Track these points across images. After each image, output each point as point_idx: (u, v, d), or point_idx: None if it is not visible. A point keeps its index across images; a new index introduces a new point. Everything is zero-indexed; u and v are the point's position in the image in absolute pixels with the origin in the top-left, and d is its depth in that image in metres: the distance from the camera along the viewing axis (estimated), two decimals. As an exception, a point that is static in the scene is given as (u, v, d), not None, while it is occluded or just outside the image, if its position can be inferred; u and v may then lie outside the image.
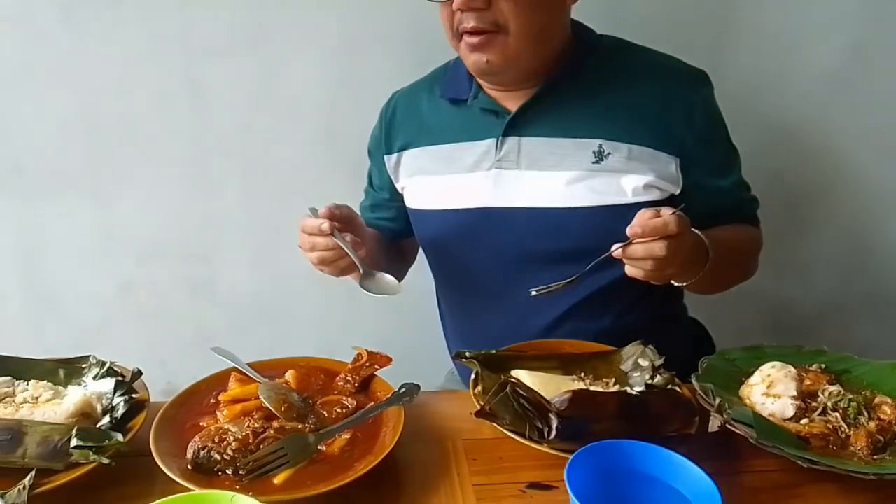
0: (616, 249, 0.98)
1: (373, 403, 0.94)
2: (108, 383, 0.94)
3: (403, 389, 0.94)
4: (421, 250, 1.42)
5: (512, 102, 1.20)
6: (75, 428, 0.82)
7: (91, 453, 0.81)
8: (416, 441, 0.92)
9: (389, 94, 1.39)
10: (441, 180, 1.26)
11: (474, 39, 1.09)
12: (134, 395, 0.92)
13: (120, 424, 0.88)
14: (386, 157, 1.33)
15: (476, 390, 0.96)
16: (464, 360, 1.01)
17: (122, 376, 0.96)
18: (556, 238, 1.18)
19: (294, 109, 1.65)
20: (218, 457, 0.81)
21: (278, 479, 0.80)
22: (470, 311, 1.35)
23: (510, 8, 1.07)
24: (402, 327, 1.90)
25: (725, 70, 1.60)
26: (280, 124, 1.67)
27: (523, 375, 0.98)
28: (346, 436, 0.88)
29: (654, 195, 1.16)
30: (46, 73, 1.55)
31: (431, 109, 1.29)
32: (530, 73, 1.16)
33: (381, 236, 1.40)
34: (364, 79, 1.63)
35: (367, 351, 1.03)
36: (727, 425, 0.89)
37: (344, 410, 0.92)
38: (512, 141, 1.20)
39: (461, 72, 1.25)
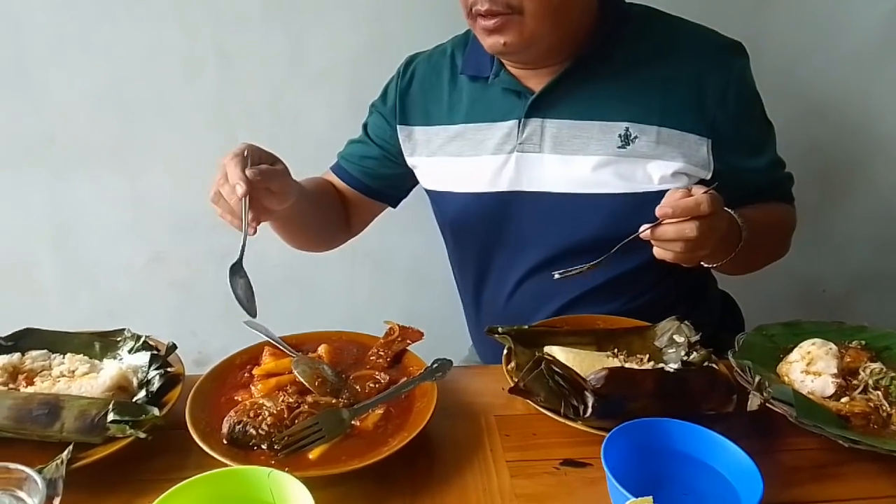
0: (644, 230, 0.94)
1: (405, 379, 0.93)
2: (144, 357, 0.94)
3: (436, 365, 0.93)
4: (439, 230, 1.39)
5: (535, 82, 1.16)
6: (112, 402, 0.83)
7: (128, 427, 0.81)
8: (449, 417, 0.92)
9: None
10: (461, 162, 1.23)
11: (489, 23, 1.05)
12: (169, 369, 0.92)
13: (155, 398, 0.88)
14: (399, 127, 1.28)
15: (509, 366, 0.95)
16: (497, 335, 1.00)
17: (157, 350, 0.96)
18: (578, 225, 1.15)
19: (322, 79, 1.63)
20: (253, 431, 0.81)
21: (313, 455, 0.81)
22: (486, 295, 1.33)
23: None
24: (427, 300, 1.89)
25: (762, 40, 1.55)
26: (308, 94, 1.65)
27: (556, 351, 0.97)
28: (380, 411, 0.88)
29: (682, 182, 1.12)
30: (76, 44, 1.55)
31: (452, 85, 1.24)
32: (553, 52, 1.11)
33: (329, 195, 1.32)
34: (392, 47, 1.60)
35: (398, 325, 1.03)
36: (767, 404, 0.87)
37: (377, 385, 0.92)
38: (535, 123, 1.16)
39: (481, 48, 1.18)
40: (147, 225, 1.76)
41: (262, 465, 0.77)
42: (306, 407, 0.85)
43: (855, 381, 0.95)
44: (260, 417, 0.83)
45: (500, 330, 1.01)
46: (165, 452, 0.86)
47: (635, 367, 0.96)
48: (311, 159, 1.72)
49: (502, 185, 1.20)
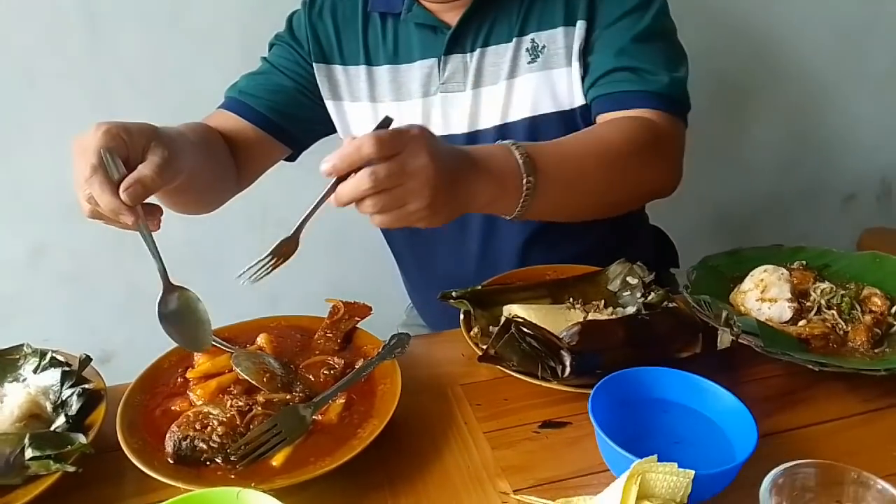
0: (325, 199, 0.75)
1: (362, 360, 0.85)
2: (53, 375, 0.81)
3: (394, 341, 0.86)
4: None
5: (450, 15, 1.08)
6: (27, 435, 0.71)
7: (52, 462, 0.69)
8: (413, 394, 0.85)
9: None
10: (384, 109, 1.14)
11: None
12: (86, 386, 0.80)
13: (77, 422, 0.76)
14: (317, 65, 1.16)
15: (473, 332, 0.89)
16: (451, 301, 0.94)
17: (69, 365, 0.83)
18: None
19: (208, 36, 1.47)
20: (204, 445, 0.71)
21: (277, 461, 0.72)
22: (420, 253, 1.27)
23: None
24: (351, 266, 1.81)
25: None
26: (194, 54, 1.49)
27: (517, 309, 0.92)
28: (341, 400, 0.80)
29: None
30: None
31: (364, 23, 1.14)
32: None
33: (217, 145, 1.11)
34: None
35: (342, 302, 0.94)
36: (737, 339, 0.85)
37: (332, 372, 0.84)
38: (456, 59, 1.09)
39: None
40: (24, 215, 1.56)
41: (218, 482, 0.69)
42: (259, 409, 0.75)
43: (808, 303, 0.96)
44: (209, 428, 0.73)
45: (453, 294, 0.94)
46: (99, 482, 0.75)
47: (598, 316, 0.92)
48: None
49: (433, 130, 1.13)
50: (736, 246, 1.10)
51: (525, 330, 0.79)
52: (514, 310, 0.92)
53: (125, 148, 0.76)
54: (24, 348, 0.86)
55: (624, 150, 0.94)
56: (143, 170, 0.75)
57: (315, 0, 1.17)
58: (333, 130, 1.23)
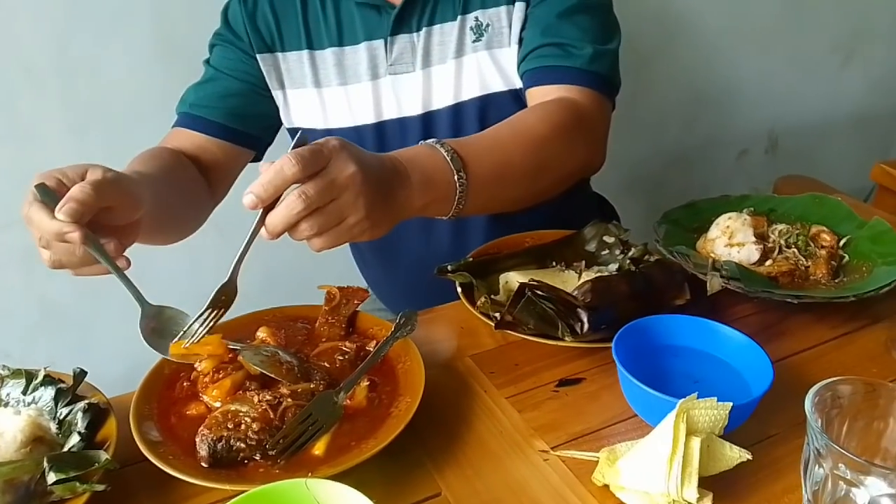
0: (257, 233, 0.71)
1: (375, 342, 0.84)
2: (48, 393, 0.75)
3: (403, 319, 0.85)
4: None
5: None
6: (45, 459, 0.65)
7: (78, 484, 0.64)
8: (427, 370, 0.85)
9: None
10: (330, 93, 1.12)
11: None
12: (92, 401, 0.74)
13: (89, 439, 0.71)
14: (260, 56, 1.12)
15: (480, 302, 0.90)
16: (448, 275, 0.94)
17: (62, 381, 0.77)
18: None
19: (117, 22, 1.38)
20: (241, 444, 0.68)
21: (318, 450, 0.70)
22: (380, 244, 1.25)
23: None
24: (288, 256, 1.75)
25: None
26: (102, 44, 1.39)
27: (514, 276, 0.94)
28: (365, 383, 0.78)
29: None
30: None
31: (302, 5, 1.11)
32: None
33: (182, 166, 1.06)
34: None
35: (337, 288, 0.92)
36: (727, 284, 0.91)
37: (346, 356, 0.82)
38: (403, 39, 1.08)
39: None
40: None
41: (262, 478, 0.67)
42: (289, 401, 0.73)
43: (769, 244, 1.04)
44: (243, 426, 0.69)
45: (449, 268, 0.94)
46: (128, 498, 0.70)
47: (589, 276, 0.95)
48: (119, 117, 1.47)
49: (381, 114, 1.12)
50: (653, 201, 1.18)
51: (540, 293, 0.81)
52: (511, 277, 0.94)
53: (61, 184, 0.74)
54: (1, 370, 0.78)
55: (548, 135, 0.94)
56: (75, 189, 0.72)
57: None
58: None
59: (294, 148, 0.69)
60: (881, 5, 2.27)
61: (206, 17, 1.19)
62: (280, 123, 1.19)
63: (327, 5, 1.10)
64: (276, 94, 1.15)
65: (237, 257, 0.73)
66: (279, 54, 1.13)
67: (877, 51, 2.34)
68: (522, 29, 1.07)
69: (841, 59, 2.31)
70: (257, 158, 1.19)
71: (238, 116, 1.12)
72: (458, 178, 0.83)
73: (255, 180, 0.69)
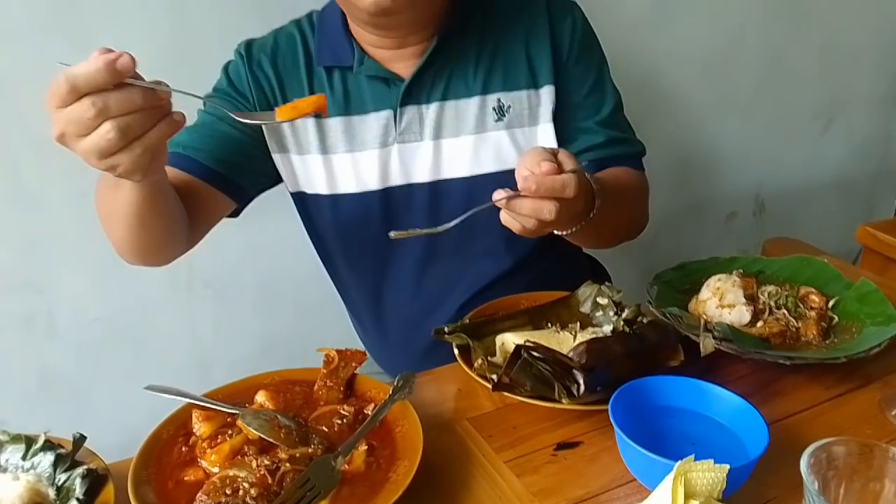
0: (500, 199, 0.84)
1: (373, 405, 0.85)
2: (47, 459, 0.74)
3: (401, 381, 0.86)
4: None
5: (401, 66, 1.11)
6: (46, 528, 0.64)
7: (78, 552, 0.64)
8: (425, 433, 0.85)
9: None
10: (337, 160, 1.14)
11: None
12: (90, 466, 0.74)
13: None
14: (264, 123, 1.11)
15: (477, 364, 0.90)
16: (445, 336, 0.95)
17: (61, 447, 0.76)
18: (464, 211, 1.05)
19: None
20: (241, 510, 0.68)
21: (317, 515, 0.70)
22: (378, 301, 1.26)
23: None
24: (283, 323, 1.76)
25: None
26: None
27: (510, 337, 0.95)
28: (363, 447, 0.78)
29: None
30: None
31: (309, 76, 1.14)
32: (424, 20, 1.08)
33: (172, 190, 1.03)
34: (198, 41, 1.44)
35: (335, 351, 0.93)
36: (719, 345, 0.92)
37: (344, 420, 0.82)
38: (412, 111, 1.12)
39: (334, 33, 1.12)
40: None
41: (260, 546, 0.66)
42: (288, 465, 0.73)
43: (759, 306, 1.05)
44: (241, 492, 0.69)
45: (446, 330, 0.95)
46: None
47: (584, 337, 0.97)
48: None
49: (388, 181, 1.14)
50: (644, 263, 1.22)
51: (536, 354, 0.82)
52: (507, 338, 0.95)
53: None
54: (1, 435, 0.78)
55: (639, 193, 1.17)
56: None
57: (251, 51, 1.15)
58: (278, 182, 1.21)
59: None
60: (858, 74, 2.36)
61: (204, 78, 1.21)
62: (268, 184, 1.19)
63: (334, 77, 1.13)
64: (276, 158, 1.16)
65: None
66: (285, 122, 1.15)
67: (855, 117, 2.43)
68: (555, 113, 1.14)
69: (821, 126, 2.38)
70: (235, 214, 1.18)
71: (228, 163, 1.10)
72: (597, 206, 0.95)
73: (532, 164, 0.85)
